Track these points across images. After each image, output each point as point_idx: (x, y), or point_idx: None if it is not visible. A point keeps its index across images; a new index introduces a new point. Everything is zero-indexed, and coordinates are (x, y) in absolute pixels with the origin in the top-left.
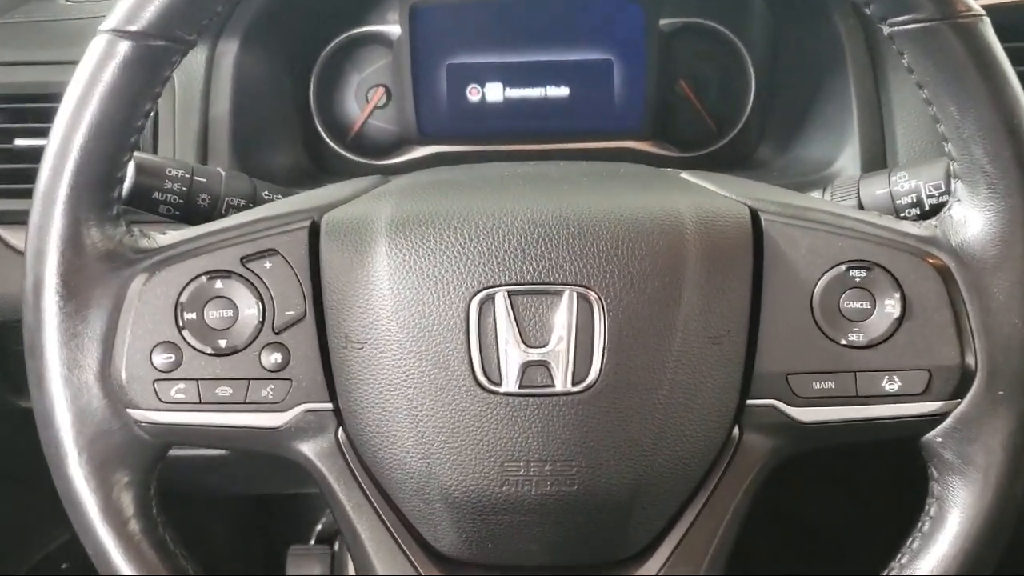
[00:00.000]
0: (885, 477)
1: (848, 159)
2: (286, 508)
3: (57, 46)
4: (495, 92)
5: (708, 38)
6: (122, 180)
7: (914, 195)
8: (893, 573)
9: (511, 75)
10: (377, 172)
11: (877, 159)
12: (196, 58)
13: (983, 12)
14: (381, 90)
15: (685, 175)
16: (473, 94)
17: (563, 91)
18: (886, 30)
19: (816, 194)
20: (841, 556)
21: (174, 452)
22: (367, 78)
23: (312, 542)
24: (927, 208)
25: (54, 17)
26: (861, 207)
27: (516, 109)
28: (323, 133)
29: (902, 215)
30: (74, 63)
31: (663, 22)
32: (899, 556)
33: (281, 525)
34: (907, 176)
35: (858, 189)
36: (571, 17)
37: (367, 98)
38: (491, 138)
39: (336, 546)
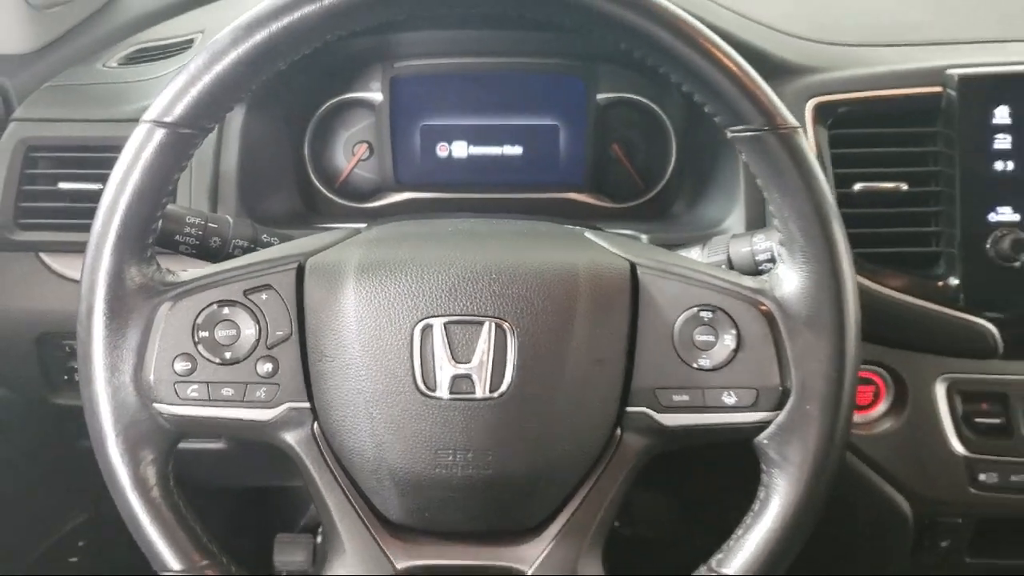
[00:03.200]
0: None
1: (736, 219)
2: (274, 501)
3: (94, 106)
4: (460, 149)
5: (637, 110)
6: (156, 231)
7: (769, 252)
8: (736, 537)
9: (474, 135)
10: (360, 214)
11: (758, 219)
12: None
13: (799, 125)
14: (365, 145)
15: (588, 234)
16: (442, 150)
17: (517, 150)
18: (728, 134)
19: (696, 249)
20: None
21: (181, 446)
22: (353, 135)
23: (297, 531)
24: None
25: (92, 81)
26: (730, 261)
27: (477, 164)
28: (315, 181)
29: (760, 267)
30: (108, 120)
31: (600, 96)
32: (738, 528)
33: (270, 516)
34: (764, 238)
35: (728, 247)
36: (525, 89)
37: (353, 152)
38: (456, 187)
39: (319, 535)
